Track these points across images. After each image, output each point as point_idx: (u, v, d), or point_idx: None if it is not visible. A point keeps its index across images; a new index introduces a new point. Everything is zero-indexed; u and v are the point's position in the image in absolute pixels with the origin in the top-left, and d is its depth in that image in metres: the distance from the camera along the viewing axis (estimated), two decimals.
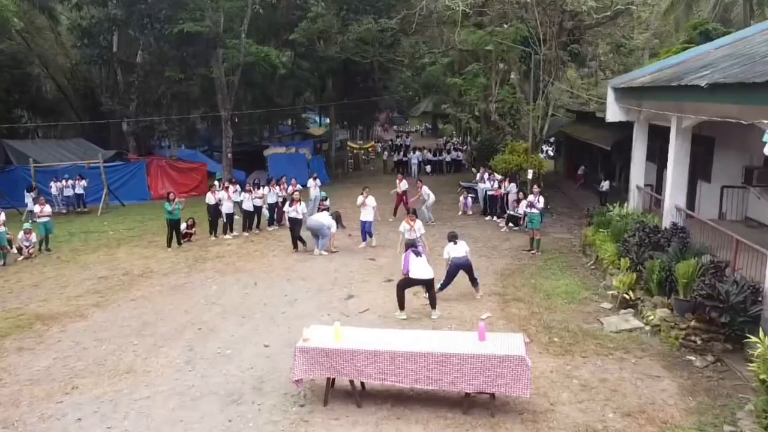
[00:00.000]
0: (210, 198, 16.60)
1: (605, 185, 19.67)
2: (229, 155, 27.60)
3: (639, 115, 13.64)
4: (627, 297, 9.72)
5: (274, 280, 12.37)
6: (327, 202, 19.91)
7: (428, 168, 34.62)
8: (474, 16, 20.39)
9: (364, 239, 15.24)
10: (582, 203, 23.57)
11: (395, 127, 75.79)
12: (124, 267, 13.82)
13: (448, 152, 36.35)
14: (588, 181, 27.26)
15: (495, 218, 18.42)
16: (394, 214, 19.19)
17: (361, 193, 15.40)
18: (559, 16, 19.54)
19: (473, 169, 34.68)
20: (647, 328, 8.89)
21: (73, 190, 23.96)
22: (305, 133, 38.64)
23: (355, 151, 34.33)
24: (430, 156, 35.07)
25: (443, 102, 66.44)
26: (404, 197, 19.39)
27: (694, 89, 9.24)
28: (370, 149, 34.83)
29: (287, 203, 16.26)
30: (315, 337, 6.88)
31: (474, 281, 10.74)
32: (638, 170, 14.09)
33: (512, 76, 18.43)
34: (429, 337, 6.92)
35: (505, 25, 17.27)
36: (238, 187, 19.71)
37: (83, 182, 23.98)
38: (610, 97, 13.87)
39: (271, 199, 17.67)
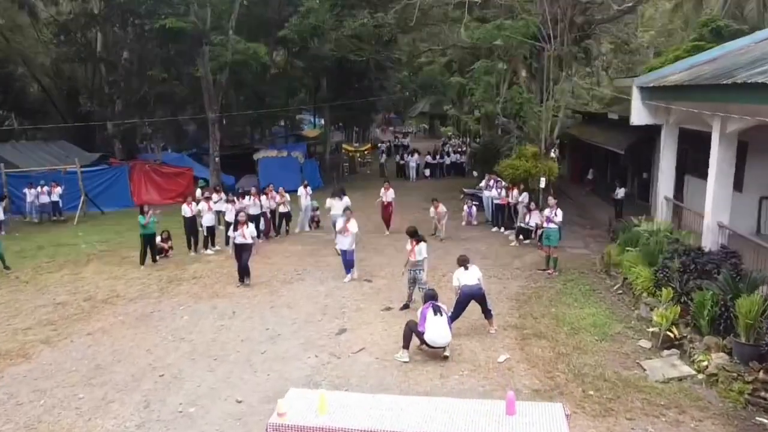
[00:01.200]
0: (186, 210, 15.01)
1: (620, 193, 18.14)
2: (217, 159, 26.03)
3: (668, 118, 12.14)
4: (670, 335, 8.19)
5: (256, 307, 10.79)
6: (318, 212, 18.45)
7: (427, 172, 33.09)
8: (477, 9, 18.83)
9: (348, 272, 12.41)
10: (593, 211, 22.06)
11: (392, 128, 74.30)
12: (87, 290, 12.21)
13: (448, 155, 34.81)
14: (597, 186, 25.84)
15: (503, 230, 16.89)
16: (388, 227, 17.51)
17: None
18: (571, 10, 18.04)
19: (474, 173, 33.23)
20: (700, 376, 7.35)
21: (49, 197, 22.33)
22: (299, 135, 37.06)
23: (350, 154, 32.76)
24: (429, 159, 33.49)
25: (441, 102, 65.35)
26: (390, 208, 17.55)
27: (750, 87, 7.74)
28: (366, 152, 33.27)
29: (231, 227, 13.96)
30: (293, 409, 5.30)
31: (487, 313, 9.19)
32: (667, 179, 12.57)
33: (523, 73, 16.82)
34: (442, 408, 5.34)
35: (510, 21, 15.69)
36: (223, 195, 18.24)
37: (59, 189, 22.34)
38: (636, 97, 12.35)
39: (254, 210, 15.97)
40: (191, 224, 15.10)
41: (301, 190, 17.46)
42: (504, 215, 17.00)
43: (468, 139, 49.57)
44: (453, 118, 67.31)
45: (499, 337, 9.04)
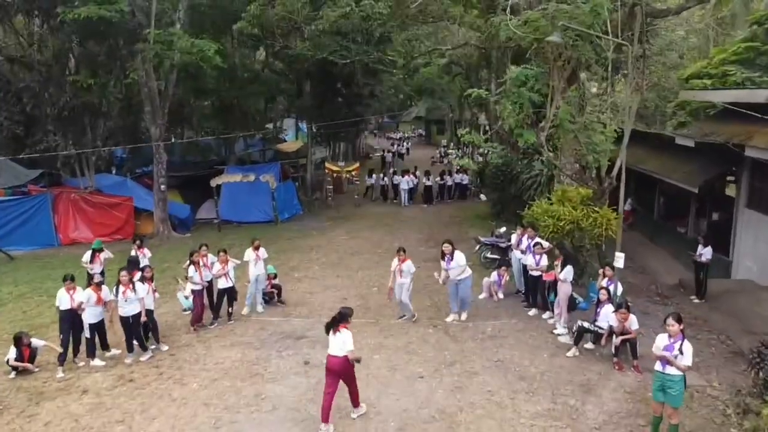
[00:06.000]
0: (64, 299, 9.54)
1: (707, 254, 12.82)
2: (163, 188, 20.49)
3: None
4: None
5: None
6: (277, 281, 13.04)
7: (424, 194, 27.69)
8: None
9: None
10: (647, 262, 16.89)
11: (393, 134, 69.16)
12: None
13: (450, 174, 29.40)
14: (637, 219, 20.80)
15: (547, 315, 11.54)
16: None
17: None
18: None
19: (482, 196, 27.89)
20: None
21: None
22: (277, 149, 31.57)
23: (335, 174, 27.34)
24: (426, 181, 27.96)
25: (438, 107, 60.17)
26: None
27: None
28: (354, 172, 27.87)
29: (115, 290, 9.75)
30: None
31: None
32: None
33: (561, 84, 11.20)
34: None
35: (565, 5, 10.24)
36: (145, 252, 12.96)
37: None
38: None
39: (132, 308, 9.83)
40: (69, 321, 9.60)
41: (249, 254, 11.93)
42: (547, 292, 11.63)
43: (470, 149, 44.22)
44: (448, 121, 62.24)
45: None
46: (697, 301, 13.00)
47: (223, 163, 27.80)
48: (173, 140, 22.33)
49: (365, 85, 25.93)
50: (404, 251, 11.23)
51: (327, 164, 27.63)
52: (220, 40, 24.74)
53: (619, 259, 9.66)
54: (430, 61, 32.26)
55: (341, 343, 7.32)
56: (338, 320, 7.42)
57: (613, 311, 9.18)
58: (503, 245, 15.34)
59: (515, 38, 10.11)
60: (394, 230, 21.09)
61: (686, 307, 12.66)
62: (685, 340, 6.66)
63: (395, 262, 11.10)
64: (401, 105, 64.70)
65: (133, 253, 13.17)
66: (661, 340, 6.80)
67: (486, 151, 20.57)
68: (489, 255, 15.43)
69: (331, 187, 27.47)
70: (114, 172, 24.79)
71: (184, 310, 12.20)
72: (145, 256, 13.17)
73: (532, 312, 11.79)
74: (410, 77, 35.74)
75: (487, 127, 39.42)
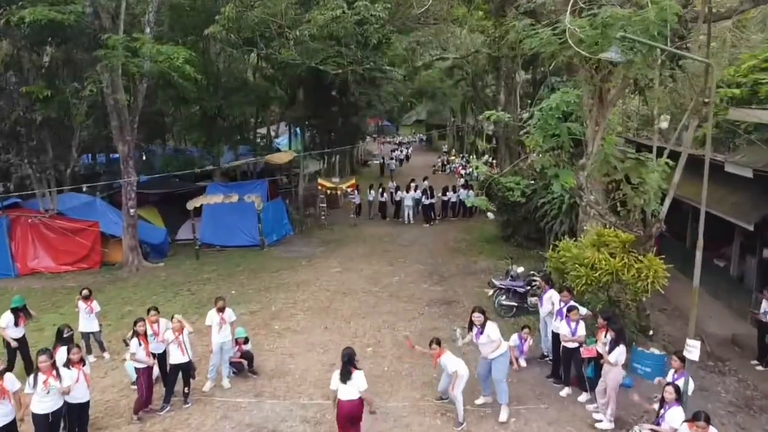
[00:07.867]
0: None
1: None
2: (132, 212, 18.11)
3: None
4: None
5: None
6: (248, 346, 10.68)
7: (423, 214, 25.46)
8: None
9: None
10: (683, 302, 14.41)
11: (393, 138, 67.03)
12: None
13: (454, 190, 27.09)
14: (664, 245, 18.48)
15: (584, 398, 9.22)
16: None
17: None
18: None
19: (489, 215, 25.58)
20: None
21: None
22: (267, 161, 29.18)
23: (329, 191, 25.04)
24: (425, 200, 25.61)
25: (439, 111, 57.98)
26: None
27: None
28: (349, 188, 25.57)
29: (33, 380, 7.38)
30: None
31: None
32: None
33: (591, 102, 8.75)
34: None
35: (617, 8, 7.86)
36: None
37: None
38: None
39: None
40: None
41: (211, 317, 9.58)
42: (583, 366, 9.31)
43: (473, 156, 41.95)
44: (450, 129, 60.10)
45: None
46: (761, 368, 10.72)
47: (207, 177, 25.53)
48: (143, 157, 19.88)
49: (362, 94, 23.55)
50: (438, 344, 8.59)
51: (320, 180, 25.25)
52: (203, 45, 22.53)
53: (693, 350, 7.26)
54: (431, 64, 30.17)
55: (354, 386, 7.28)
56: (348, 365, 7.40)
57: (685, 421, 6.84)
58: (521, 290, 13.07)
59: (547, 52, 7.73)
60: (394, 259, 18.77)
61: (750, 378, 10.40)
62: None
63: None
64: (401, 108, 62.65)
65: (77, 307, 10.86)
66: None
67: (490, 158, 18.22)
68: (505, 302, 13.13)
69: (324, 205, 25.13)
70: (85, 189, 22.40)
71: (133, 383, 9.85)
72: (92, 312, 10.88)
73: (565, 392, 9.44)
74: (410, 80, 33.76)
75: (491, 132, 36.97)
